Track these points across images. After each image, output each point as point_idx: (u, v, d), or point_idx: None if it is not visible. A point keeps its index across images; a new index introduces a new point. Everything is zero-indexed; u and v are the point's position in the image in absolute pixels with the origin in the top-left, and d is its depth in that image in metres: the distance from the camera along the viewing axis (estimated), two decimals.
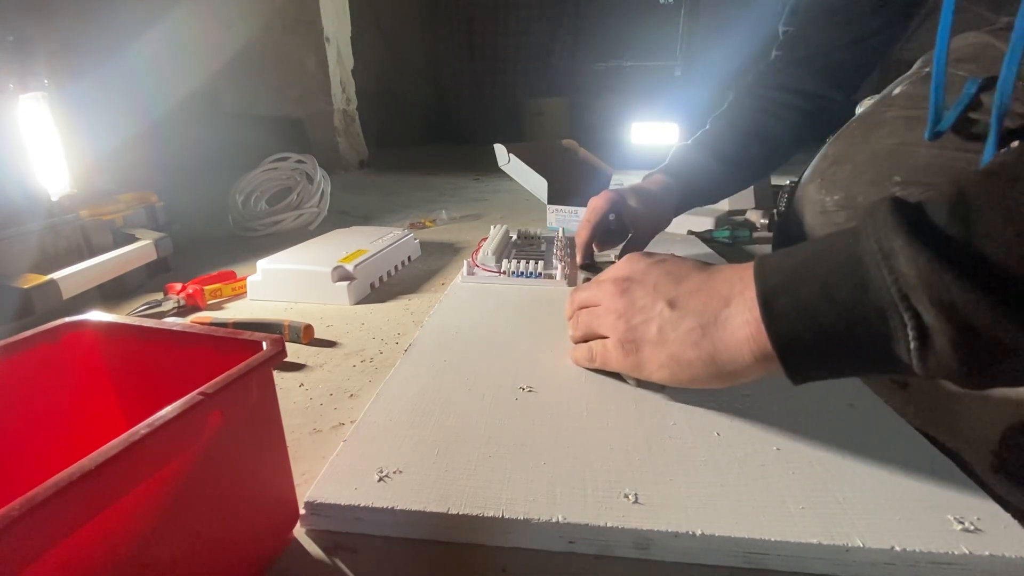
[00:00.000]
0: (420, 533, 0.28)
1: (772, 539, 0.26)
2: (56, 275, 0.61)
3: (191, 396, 0.21)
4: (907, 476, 0.30)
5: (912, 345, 0.23)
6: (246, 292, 0.69)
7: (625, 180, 1.22)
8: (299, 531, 0.29)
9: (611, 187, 1.13)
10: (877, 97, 0.64)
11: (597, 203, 0.63)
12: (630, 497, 0.29)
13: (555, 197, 1.11)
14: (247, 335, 0.27)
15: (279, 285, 0.67)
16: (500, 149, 1.19)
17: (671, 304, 0.34)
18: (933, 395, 0.43)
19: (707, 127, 0.70)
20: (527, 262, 0.69)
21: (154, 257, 0.77)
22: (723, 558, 0.27)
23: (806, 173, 0.65)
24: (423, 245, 0.93)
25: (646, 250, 0.65)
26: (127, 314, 0.61)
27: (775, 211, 1.04)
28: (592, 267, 0.68)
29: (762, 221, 1.06)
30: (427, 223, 1.16)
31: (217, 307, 0.66)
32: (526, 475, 0.30)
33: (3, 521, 0.14)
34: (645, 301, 0.35)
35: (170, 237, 0.80)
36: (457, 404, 0.38)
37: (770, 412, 0.36)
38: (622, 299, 0.36)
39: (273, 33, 2.14)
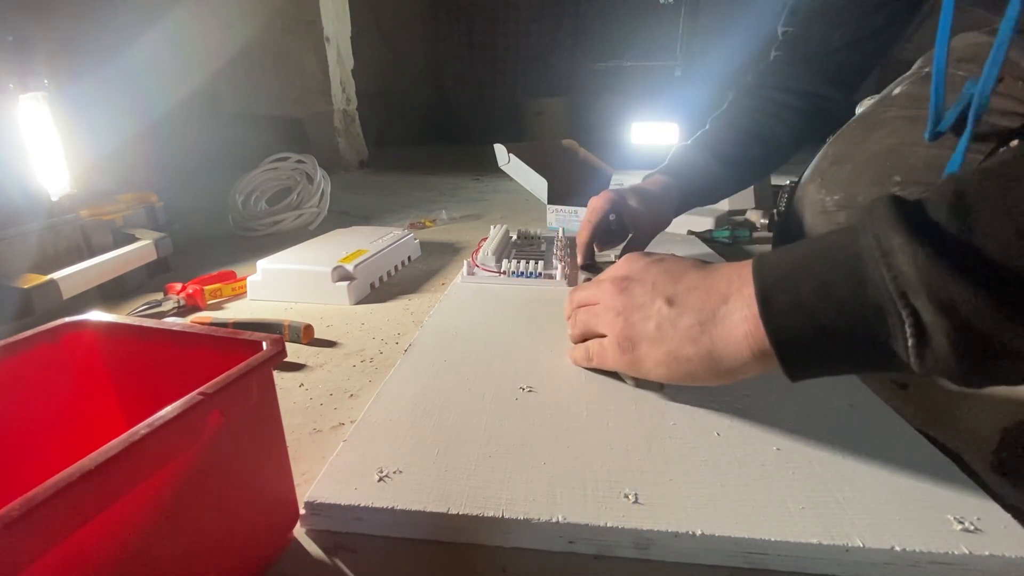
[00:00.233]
0: (420, 533, 0.28)
1: (772, 539, 0.26)
2: (56, 275, 0.61)
3: (191, 396, 0.21)
4: (907, 476, 0.30)
5: (910, 343, 0.23)
6: (246, 292, 0.69)
7: (625, 180, 1.22)
8: (299, 531, 0.29)
9: (611, 187, 1.13)
10: (877, 97, 0.64)
11: (597, 203, 0.63)
12: (630, 497, 0.29)
13: (555, 197, 1.11)
14: (247, 335, 0.27)
15: (279, 285, 0.67)
16: (500, 149, 1.19)
17: (669, 301, 0.34)
18: (933, 395, 0.43)
19: (707, 127, 0.70)
20: (527, 262, 0.69)
21: (154, 257, 0.77)
22: (723, 558, 0.27)
23: (806, 173, 0.65)
24: (423, 245, 0.93)
25: (646, 250, 0.66)
26: (127, 314, 0.61)
27: (775, 211, 1.04)
28: (592, 267, 0.68)
29: (762, 221, 1.06)
30: (427, 223, 1.16)
31: (217, 307, 0.66)
32: (526, 475, 0.30)
33: (3, 521, 0.14)
34: (643, 299, 0.35)
35: (170, 237, 0.80)
36: (457, 404, 0.38)
37: (770, 412, 0.36)
38: (620, 297, 0.36)
39: (273, 33, 2.14)
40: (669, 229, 0.88)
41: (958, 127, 0.50)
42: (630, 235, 0.66)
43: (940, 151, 0.52)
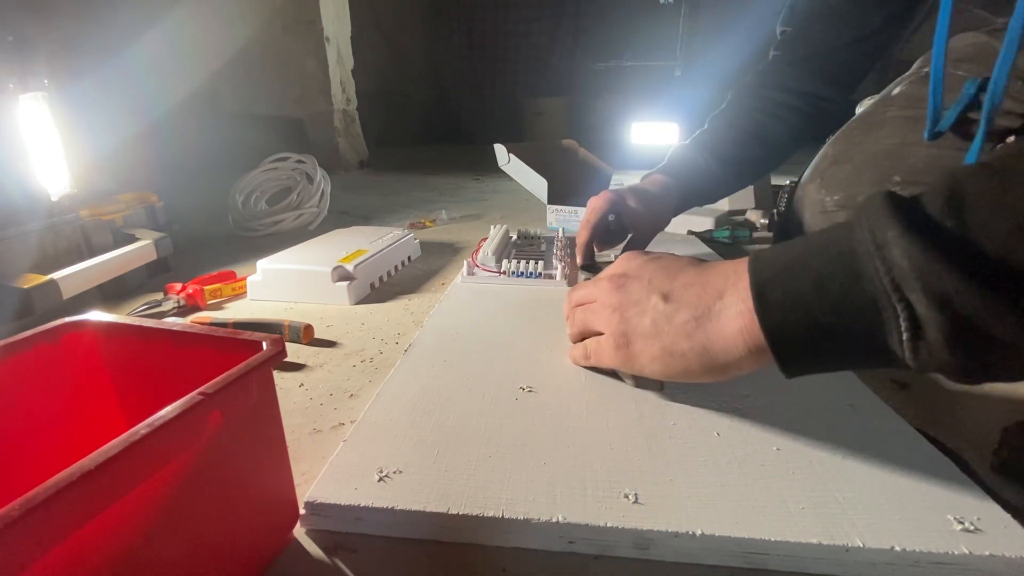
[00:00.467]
0: (420, 533, 0.28)
1: (772, 539, 0.26)
2: (56, 275, 0.61)
3: (191, 396, 0.21)
4: (907, 476, 0.30)
5: (904, 337, 0.23)
6: (246, 292, 0.69)
7: (625, 180, 1.22)
8: (299, 531, 0.29)
9: (611, 187, 1.13)
10: (877, 97, 0.64)
11: (596, 203, 0.63)
12: (630, 497, 0.29)
13: (555, 197, 1.11)
14: (247, 335, 0.27)
15: (279, 285, 0.67)
16: (500, 149, 1.19)
17: (665, 297, 0.34)
18: (933, 395, 0.43)
19: (705, 127, 0.70)
20: (527, 262, 0.69)
21: (154, 257, 0.77)
22: (723, 558, 0.27)
23: (806, 173, 0.65)
24: (423, 245, 0.93)
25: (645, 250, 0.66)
26: (127, 314, 0.61)
27: (775, 211, 1.04)
28: (592, 267, 0.68)
29: (762, 221, 1.06)
30: (427, 223, 1.16)
31: (217, 307, 0.66)
32: (526, 475, 0.30)
33: (3, 521, 0.14)
34: (640, 295, 0.35)
35: (170, 237, 0.80)
36: (457, 404, 0.38)
37: (770, 412, 0.36)
38: (617, 294, 0.37)
39: (273, 33, 2.14)
40: (669, 229, 0.88)
41: (957, 127, 0.50)
42: (629, 235, 0.66)
43: (940, 151, 0.52)
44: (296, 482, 0.30)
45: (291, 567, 0.27)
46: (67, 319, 0.29)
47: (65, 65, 1.55)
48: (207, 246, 0.98)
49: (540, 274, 0.67)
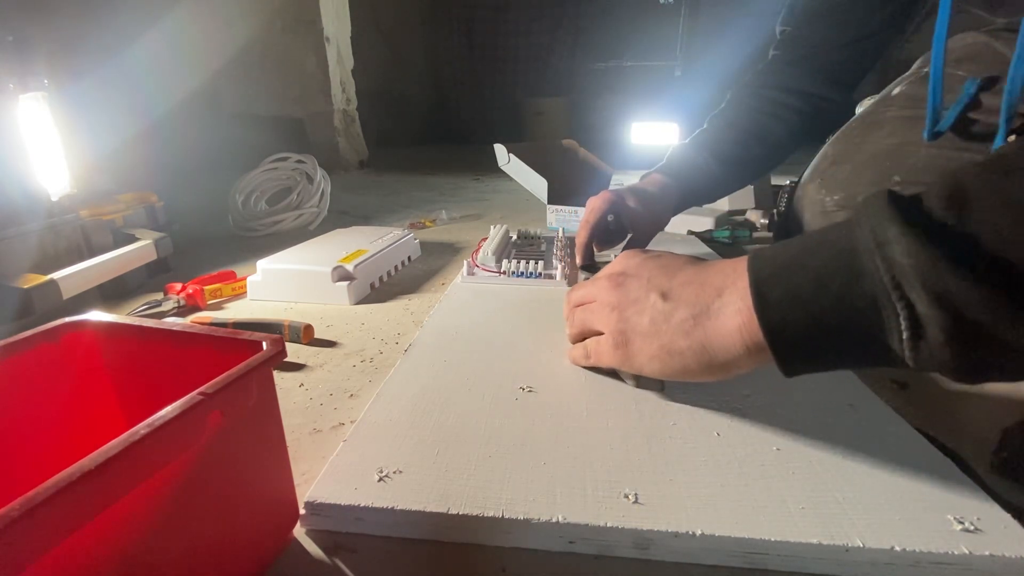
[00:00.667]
0: (420, 533, 0.28)
1: (772, 539, 0.26)
2: (56, 275, 0.61)
3: (191, 396, 0.21)
4: (907, 476, 0.30)
5: (904, 335, 0.23)
6: (246, 292, 0.69)
7: (625, 180, 1.22)
8: (299, 531, 0.29)
9: (611, 187, 1.13)
10: (877, 97, 0.64)
11: (595, 203, 0.63)
12: (630, 497, 0.29)
13: (555, 197, 1.11)
14: (247, 335, 0.27)
15: (279, 285, 0.67)
16: (500, 149, 1.19)
17: (664, 296, 0.33)
18: (933, 395, 0.43)
19: (705, 126, 0.70)
20: (527, 262, 0.69)
21: (154, 257, 0.77)
22: (723, 558, 0.27)
23: (806, 173, 0.65)
24: (423, 245, 0.93)
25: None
26: (127, 314, 0.61)
27: (775, 211, 1.04)
28: (592, 267, 0.68)
29: (762, 221, 1.06)
30: (427, 223, 1.16)
31: (217, 307, 0.66)
32: (526, 475, 0.30)
33: (3, 521, 0.14)
34: (638, 293, 0.35)
35: (170, 237, 0.80)
36: (457, 404, 0.38)
37: (770, 412, 0.36)
38: (615, 292, 0.37)
39: (273, 33, 2.14)
40: (669, 229, 0.88)
41: (957, 127, 0.50)
42: (629, 235, 0.66)
43: (940, 151, 0.52)
44: (296, 482, 0.30)
45: (291, 567, 0.27)
46: (67, 319, 0.29)
47: (65, 65, 1.55)
48: (207, 246, 0.98)
49: (540, 274, 0.67)
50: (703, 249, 0.86)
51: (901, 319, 0.23)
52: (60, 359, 0.28)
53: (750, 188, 1.14)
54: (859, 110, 0.70)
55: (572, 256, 0.72)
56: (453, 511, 0.28)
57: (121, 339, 0.29)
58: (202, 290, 0.65)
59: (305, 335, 0.54)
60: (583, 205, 0.67)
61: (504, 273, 0.67)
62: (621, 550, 0.27)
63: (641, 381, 0.39)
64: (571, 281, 0.66)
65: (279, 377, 0.48)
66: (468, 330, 0.52)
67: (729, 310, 0.30)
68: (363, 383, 0.47)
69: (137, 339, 0.29)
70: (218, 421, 0.22)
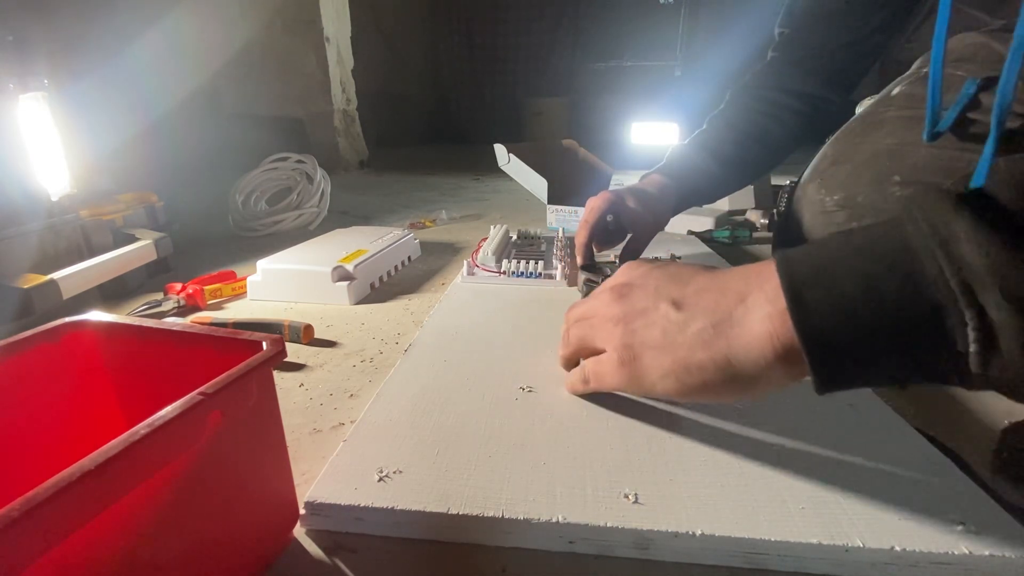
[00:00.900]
0: (420, 533, 0.28)
1: (772, 539, 0.26)
2: (56, 275, 0.61)
3: (191, 396, 0.21)
4: (907, 476, 0.30)
5: (972, 348, 0.20)
6: (246, 292, 0.69)
7: (625, 180, 1.22)
8: (299, 531, 0.29)
9: (611, 187, 1.13)
10: (876, 97, 0.64)
11: (595, 203, 0.63)
12: (630, 497, 0.29)
13: (555, 197, 1.11)
14: (247, 335, 0.27)
15: (279, 285, 0.67)
16: (500, 149, 1.19)
17: (676, 305, 0.30)
18: (933, 395, 0.43)
19: (704, 127, 0.70)
20: (527, 262, 0.69)
21: (154, 257, 0.77)
22: (723, 558, 0.27)
23: (806, 173, 0.65)
24: (423, 245, 0.93)
25: (646, 251, 0.66)
26: (127, 314, 0.61)
27: (775, 211, 1.04)
28: (592, 268, 0.68)
29: (762, 221, 1.06)
30: (427, 223, 1.16)
31: (217, 307, 0.66)
32: (526, 475, 0.30)
33: (3, 521, 0.14)
34: (645, 303, 0.31)
35: (170, 237, 0.80)
36: (457, 404, 0.38)
37: (770, 412, 0.36)
38: (619, 304, 0.33)
39: (273, 33, 2.14)
40: (669, 229, 0.88)
41: (956, 127, 0.50)
42: (629, 235, 0.66)
43: (940, 151, 0.52)
44: (296, 482, 0.30)
45: (291, 567, 0.27)
46: (67, 319, 0.29)
47: (65, 65, 1.54)
48: (207, 246, 0.98)
49: (540, 274, 0.67)
50: (703, 249, 0.86)
51: (970, 329, 0.20)
52: (60, 359, 0.28)
53: (750, 188, 1.15)
54: (859, 110, 0.70)
55: (572, 256, 0.72)
56: (453, 511, 0.28)
57: (121, 339, 0.29)
58: (202, 290, 0.65)
59: (305, 335, 0.54)
60: (583, 205, 0.67)
61: (504, 273, 0.67)
62: (621, 550, 0.27)
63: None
64: (571, 281, 0.66)
65: (279, 377, 0.48)
66: (468, 330, 0.52)
67: (756, 316, 0.26)
68: (363, 383, 0.47)
69: (137, 339, 0.29)
70: (218, 421, 0.22)
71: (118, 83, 1.65)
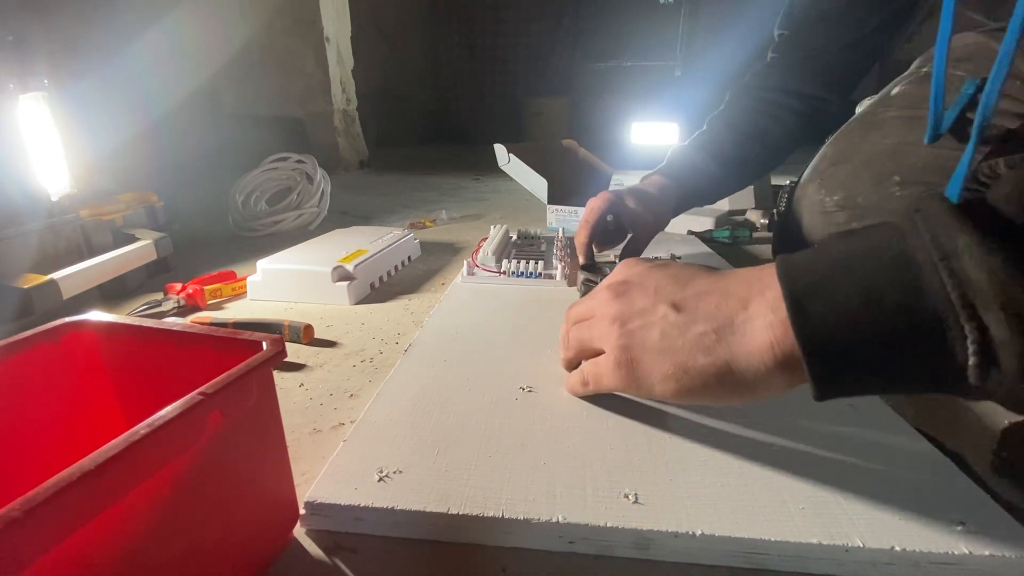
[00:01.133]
0: (420, 533, 0.28)
1: (772, 539, 0.26)
2: (56, 275, 0.61)
3: (191, 396, 0.21)
4: (907, 476, 0.30)
5: (971, 362, 0.20)
6: (246, 292, 0.69)
7: (625, 180, 1.22)
8: (299, 531, 0.29)
9: (611, 187, 1.13)
10: (876, 97, 0.64)
11: (595, 204, 0.63)
12: (630, 497, 0.29)
13: (555, 197, 1.11)
14: (247, 335, 0.27)
15: (279, 285, 0.67)
16: (500, 149, 1.19)
17: (676, 307, 0.30)
18: (933, 395, 0.43)
19: (704, 128, 0.70)
20: (527, 262, 0.69)
21: (154, 257, 0.77)
22: (723, 558, 0.27)
23: (806, 173, 0.65)
24: (423, 245, 0.93)
25: (646, 251, 0.66)
26: (127, 314, 0.61)
27: (775, 211, 1.04)
28: (592, 267, 0.68)
29: (762, 221, 1.06)
30: (427, 223, 1.16)
31: (217, 307, 0.66)
32: (526, 475, 0.30)
33: (3, 521, 0.14)
34: (644, 304, 0.31)
35: (170, 237, 0.80)
36: (457, 404, 0.38)
37: (770, 412, 0.36)
38: (616, 303, 0.32)
39: (273, 33, 2.14)
40: (669, 229, 0.88)
41: (955, 127, 0.50)
42: (629, 236, 0.66)
43: (939, 151, 0.52)
44: (296, 482, 0.30)
45: (291, 567, 0.27)
46: (67, 319, 0.29)
47: (65, 65, 1.54)
48: (207, 246, 0.98)
49: (540, 274, 0.67)
50: (703, 249, 0.86)
51: (969, 343, 0.20)
52: (60, 359, 0.28)
53: (750, 188, 1.15)
54: (859, 110, 0.70)
55: (572, 256, 0.72)
56: (453, 511, 0.28)
57: (121, 339, 0.29)
58: (202, 290, 0.65)
59: (305, 335, 0.54)
60: (583, 205, 0.68)
61: (504, 273, 0.67)
62: (621, 550, 0.27)
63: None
64: (571, 281, 0.66)
65: (279, 377, 0.48)
66: (468, 330, 0.52)
67: (757, 324, 0.26)
68: (363, 383, 0.47)
69: (137, 339, 0.29)
70: (218, 421, 0.22)
71: (118, 83, 1.65)
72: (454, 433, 0.35)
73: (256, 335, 0.26)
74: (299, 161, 1.13)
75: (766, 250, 0.94)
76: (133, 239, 0.76)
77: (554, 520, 0.27)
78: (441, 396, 0.39)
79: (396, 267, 0.80)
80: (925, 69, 0.60)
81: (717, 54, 3.00)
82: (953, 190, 0.40)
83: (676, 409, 0.37)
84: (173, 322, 0.31)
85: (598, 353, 0.34)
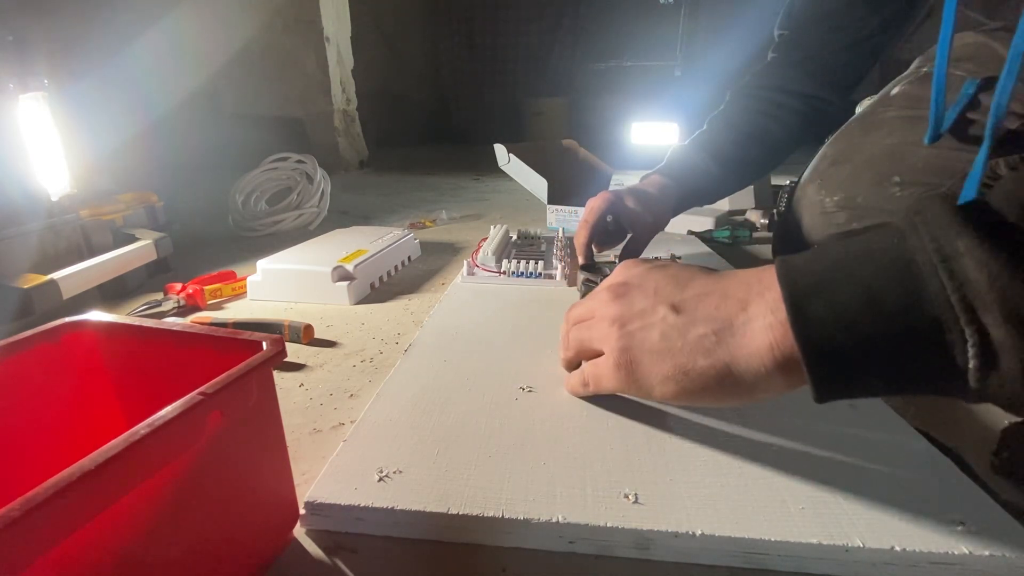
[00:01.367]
0: (420, 533, 0.28)
1: (772, 539, 0.26)
2: (56, 275, 0.61)
3: (191, 396, 0.21)
4: (907, 476, 0.30)
5: (971, 364, 0.20)
6: (246, 292, 0.69)
7: (625, 180, 1.22)
8: (299, 531, 0.29)
9: (611, 187, 1.13)
10: (876, 97, 0.64)
11: (595, 204, 0.63)
12: (630, 497, 0.29)
13: (555, 197, 1.11)
14: (247, 335, 0.27)
15: (279, 285, 0.67)
16: (500, 149, 1.19)
17: (675, 308, 0.30)
18: (933, 397, 0.43)
19: (704, 128, 0.70)
20: (527, 262, 0.69)
21: (154, 257, 0.77)
22: (723, 558, 0.27)
23: (805, 173, 0.65)
24: (423, 245, 0.93)
25: (646, 251, 0.66)
26: (127, 314, 0.61)
27: (775, 211, 1.04)
28: (592, 268, 0.68)
29: (762, 221, 1.06)
30: (427, 223, 1.16)
31: (217, 307, 0.66)
32: (526, 475, 0.30)
33: (3, 521, 0.14)
34: (644, 305, 0.31)
35: (170, 237, 0.80)
36: (457, 404, 0.38)
37: (770, 412, 0.36)
38: (616, 304, 0.32)
39: (273, 33, 2.14)
40: (669, 229, 0.88)
41: (955, 127, 0.50)
42: (629, 236, 0.66)
43: (940, 151, 0.52)
44: (296, 482, 0.30)
45: (291, 567, 0.27)
46: (67, 319, 0.29)
47: (65, 65, 1.55)
48: (207, 246, 0.98)
49: (540, 274, 0.67)
50: (703, 249, 0.86)
51: (969, 346, 0.20)
52: (60, 359, 0.28)
53: (750, 188, 1.15)
54: (859, 110, 0.70)
55: (572, 256, 0.72)
56: (453, 511, 0.28)
57: (121, 339, 0.29)
58: (202, 290, 0.65)
59: (305, 335, 0.54)
60: (583, 205, 0.67)
61: (504, 273, 0.67)
62: (621, 550, 0.27)
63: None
64: (571, 281, 0.66)
65: (279, 377, 0.48)
66: (468, 330, 0.52)
67: (757, 325, 0.26)
68: (363, 383, 0.47)
69: (137, 339, 0.29)
70: (218, 421, 0.22)
71: (118, 83, 1.65)
72: (454, 433, 0.35)
73: (256, 335, 0.26)
74: (299, 161, 1.13)
75: (766, 250, 0.94)
76: (133, 239, 0.76)
77: (554, 520, 0.27)
78: (441, 396, 0.39)
79: (396, 267, 0.80)
80: (925, 69, 0.60)
81: (717, 54, 3.00)
82: (970, 191, 0.40)
83: (676, 409, 0.37)
84: (173, 322, 0.31)
85: (598, 354, 0.34)
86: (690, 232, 0.98)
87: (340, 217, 1.25)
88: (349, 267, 0.67)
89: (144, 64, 1.79)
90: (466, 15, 3.97)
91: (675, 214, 0.68)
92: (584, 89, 3.86)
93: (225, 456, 0.24)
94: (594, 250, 0.69)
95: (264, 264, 0.68)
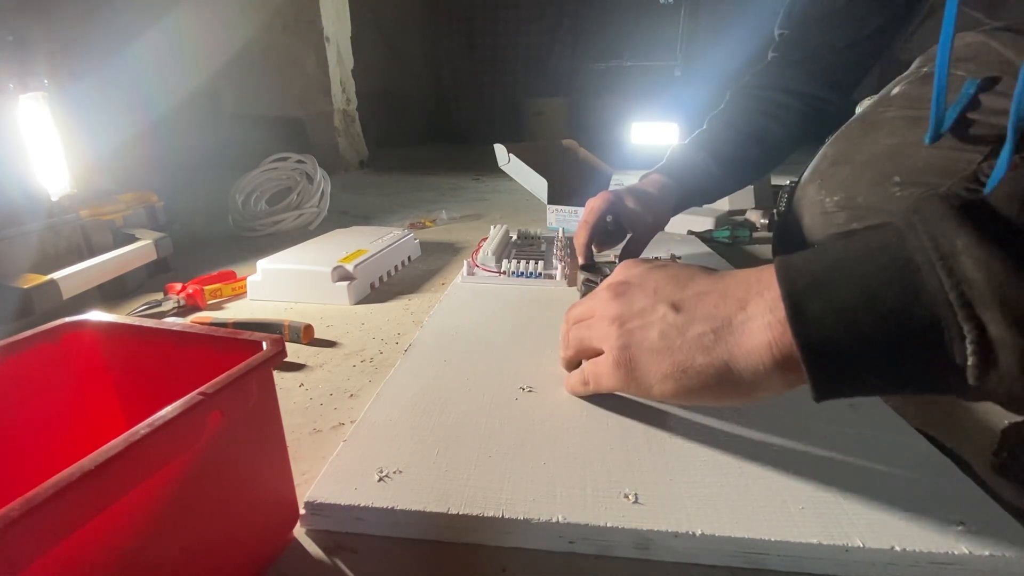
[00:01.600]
0: (420, 533, 0.28)
1: (772, 539, 0.26)
2: (56, 275, 0.61)
3: (191, 396, 0.21)
4: (907, 476, 0.30)
5: (970, 362, 0.20)
6: (246, 292, 0.69)
7: (625, 180, 1.22)
8: (299, 531, 0.29)
9: (611, 187, 1.13)
10: (876, 97, 0.64)
11: (594, 204, 0.63)
12: (630, 497, 0.29)
13: (555, 197, 1.11)
14: (247, 335, 0.27)
15: (279, 285, 0.67)
16: (500, 149, 1.19)
17: (675, 307, 0.30)
18: (933, 395, 0.43)
19: (704, 127, 0.70)
20: (527, 262, 0.69)
21: (154, 257, 0.77)
22: (723, 558, 0.27)
23: (806, 173, 0.65)
24: (423, 245, 0.93)
25: (645, 251, 0.66)
26: (127, 314, 0.61)
27: (775, 211, 1.04)
28: (592, 267, 0.68)
29: (762, 221, 1.06)
30: (427, 223, 1.16)
31: (217, 307, 0.66)
32: (526, 475, 0.30)
33: (3, 521, 0.14)
34: (644, 304, 0.31)
35: (170, 237, 0.80)
36: (457, 404, 0.38)
37: (770, 411, 0.36)
38: (616, 303, 0.33)
39: (273, 33, 2.14)
40: (669, 229, 0.88)
41: (956, 127, 0.50)
42: (629, 235, 0.66)
43: (940, 151, 0.52)
44: (296, 482, 0.30)
45: (291, 567, 0.27)
46: (67, 319, 0.29)
47: (65, 65, 1.55)
48: (207, 246, 0.98)
49: (540, 274, 0.67)
50: (703, 249, 0.86)
51: (968, 343, 0.20)
52: (60, 359, 0.28)
53: (750, 188, 1.15)
54: (859, 110, 0.70)
55: (572, 256, 0.72)
56: (453, 511, 0.28)
57: (121, 339, 0.29)
58: (202, 290, 0.65)
59: (305, 335, 0.54)
60: (583, 205, 0.67)
61: (504, 273, 0.67)
62: (621, 550, 0.27)
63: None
64: (571, 281, 0.66)
65: (279, 377, 0.48)
66: (468, 330, 0.52)
67: (756, 324, 0.26)
68: (363, 383, 0.47)
69: (137, 339, 0.29)
70: (218, 421, 0.22)
71: (118, 83, 1.65)
72: (454, 433, 0.35)
73: (256, 335, 0.26)
74: (299, 161, 1.13)
75: (766, 250, 0.94)
76: (133, 239, 0.76)
77: (554, 520, 0.27)
78: (441, 396, 0.39)
79: (396, 267, 0.80)
80: (925, 69, 0.60)
81: (717, 54, 3.00)
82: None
83: (676, 409, 0.37)
84: (173, 322, 0.31)
85: (598, 353, 0.34)
86: (690, 232, 0.98)
87: (340, 217, 1.25)
88: (349, 267, 0.67)
89: (144, 64, 1.79)
90: (466, 15, 3.97)
91: (675, 214, 0.68)
92: (584, 89, 3.86)
93: (225, 456, 0.24)
94: (594, 250, 0.69)
95: (264, 264, 0.68)
